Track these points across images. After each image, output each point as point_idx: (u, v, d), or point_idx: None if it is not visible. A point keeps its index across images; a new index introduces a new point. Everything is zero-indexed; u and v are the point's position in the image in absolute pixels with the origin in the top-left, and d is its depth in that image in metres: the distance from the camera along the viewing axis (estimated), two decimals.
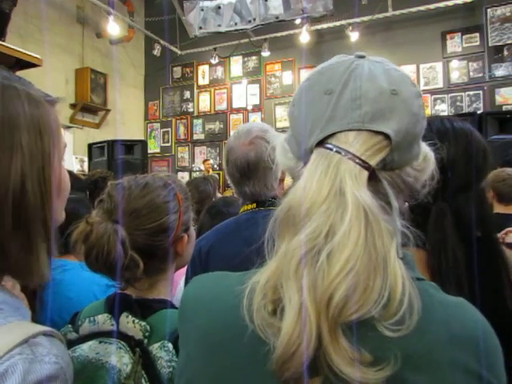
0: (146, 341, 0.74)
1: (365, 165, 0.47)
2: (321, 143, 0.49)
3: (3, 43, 3.05)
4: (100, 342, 0.75)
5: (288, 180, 1.27)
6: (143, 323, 0.75)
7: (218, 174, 7.51)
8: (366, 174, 0.47)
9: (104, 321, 0.77)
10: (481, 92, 6.02)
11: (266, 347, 0.42)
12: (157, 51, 7.06)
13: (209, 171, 7.01)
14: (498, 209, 2.47)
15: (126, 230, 0.77)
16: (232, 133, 1.25)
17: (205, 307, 0.51)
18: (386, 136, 0.48)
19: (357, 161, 0.46)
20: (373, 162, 0.47)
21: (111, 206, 0.80)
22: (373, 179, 0.48)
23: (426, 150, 0.55)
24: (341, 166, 0.46)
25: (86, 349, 0.75)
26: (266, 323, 0.43)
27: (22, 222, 0.51)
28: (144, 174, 0.90)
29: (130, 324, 0.75)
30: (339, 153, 0.47)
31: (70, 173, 2.59)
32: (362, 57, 0.53)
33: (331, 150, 0.48)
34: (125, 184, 0.84)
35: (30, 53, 3.20)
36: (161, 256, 0.83)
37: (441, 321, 0.45)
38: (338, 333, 0.40)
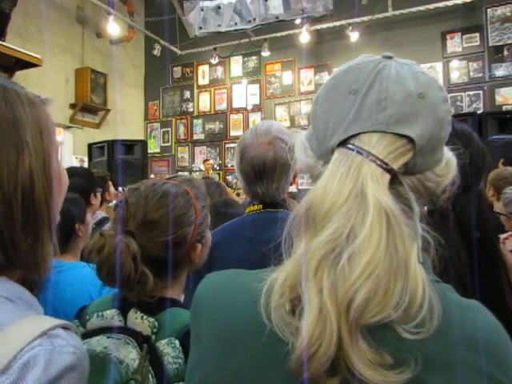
0: (153, 337, 0.74)
1: (387, 168, 0.46)
2: (343, 143, 0.49)
3: (3, 43, 3.05)
4: (108, 337, 0.75)
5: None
6: (151, 319, 0.75)
7: (218, 175, 7.51)
8: (387, 177, 0.46)
9: (112, 316, 0.78)
10: (481, 92, 6.03)
11: (285, 347, 0.42)
12: (157, 51, 7.07)
13: (209, 171, 7.02)
14: (498, 207, 2.48)
15: (140, 241, 0.77)
16: (248, 130, 1.23)
17: (221, 304, 0.51)
18: (410, 140, 0.47)
19: (379, 163, 0.46)
20: (395, 166, 0.47)
21: (127, 215, 0.79)
22: (394, 183, 0.47)
23: (448, 155, 0.54)
24: (363, 167, 0.46)
25: (94, 343, 0.75)
26: (284, 322, 0.43)
27: (30, 215, 0.53)
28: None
29: (139, 320, 0.75)
30: (361, 154, 0.47)
31: (87, 170, 2.56)
32: (389, 57, 0.53)
33: (353, 150, 0.47)
34: (142, 191, 0.83)
35: (30, 53, 3.20)
36: (173, 265, 0.82)
37: (457, 323, 0.45)
38: (357, 335, 0.40)
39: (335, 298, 0.41)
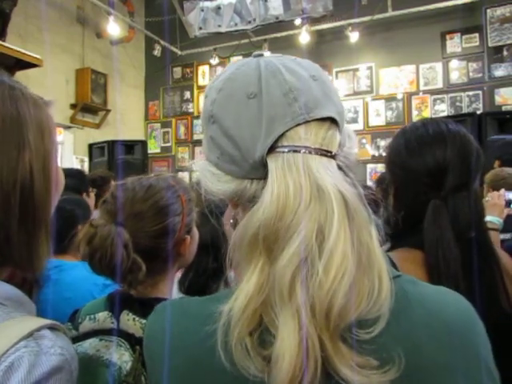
0: None
1: (330, 154, 0.45)
2: (272, 148, 0.45)
3: (3, 43, 3.06)
4: (100, 340, 0.76)
5: None
6: (144, 321, 0.75)
7: None
8: (334, 163, 0.45)
9: (104, 319, 0.78)
10: (480, 92, 6.02)
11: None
12: (157, 51, 7.06)
13: None
14: None
15: (130, 233, 0.78)
16: None
17: (173, 349, 0.46)
18: (332, 120, 0.47)
19: (320, 153, 0.45)
20: (334, 149, 0.46)
21: (115, 208, 0.81)
22: (338, 167, 0.46)
23: (347, 127, 0.53)
24: (309, 163, 0.44)
25: (87, 346, 0.75)
26: (247, 359, 0.40)
27: (28, 212, 0.54)
28: (145, 174, 0.91)
29: (131, 322, 0.75)
30: (297, 151, 0.44)
31: (80, 172, 2.56)
32: (261, 55, 0.52)
33: (288, 151, 0.44)
34: (128, 185, 0.85)
35: (30, 53, 3.20)
36: (163, 257, 0.84)
37: (420, 321, 0.44)
38: (339, 343, 0.39)
39: (313, 310, 0.39)
